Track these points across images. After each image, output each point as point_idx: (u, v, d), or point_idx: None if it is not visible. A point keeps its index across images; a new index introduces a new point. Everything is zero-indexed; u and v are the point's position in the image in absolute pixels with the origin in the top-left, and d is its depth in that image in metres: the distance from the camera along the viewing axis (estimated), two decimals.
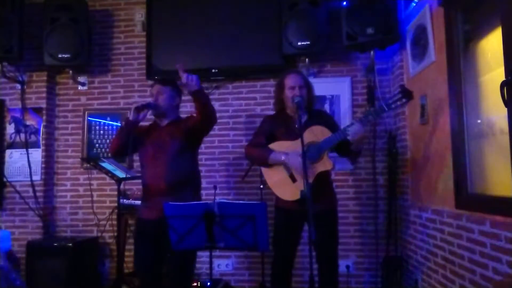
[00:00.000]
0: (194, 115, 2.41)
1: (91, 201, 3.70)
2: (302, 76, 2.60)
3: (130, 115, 2.41)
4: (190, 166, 2.52)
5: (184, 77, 2.20)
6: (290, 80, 2.55)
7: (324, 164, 2.41)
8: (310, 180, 2.29)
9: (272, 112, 2.83)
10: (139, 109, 2.40)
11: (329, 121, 2.61)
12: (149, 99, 2.54)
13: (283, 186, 2.48)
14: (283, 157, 2.43)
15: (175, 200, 2.18)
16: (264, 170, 2.58)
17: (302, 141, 2.18)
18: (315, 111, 2.67)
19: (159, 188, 2.39)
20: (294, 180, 2.44)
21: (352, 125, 2.34)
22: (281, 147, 2.50)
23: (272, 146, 2.54)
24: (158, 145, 2.45)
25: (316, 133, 2.43)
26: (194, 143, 2.55)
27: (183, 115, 2.64)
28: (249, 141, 2.73)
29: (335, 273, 2.56)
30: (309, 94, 2.58)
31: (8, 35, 3.41)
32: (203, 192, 3.54)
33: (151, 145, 2.48)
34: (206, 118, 2.37)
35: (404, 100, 2.33)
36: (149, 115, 2.52)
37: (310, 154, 2.39)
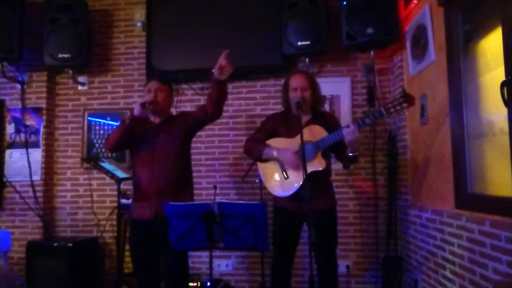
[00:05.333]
0: (193, 109, 2.43)
1: (91, 201, 3.70)
2: (306, 77, 2.58)
3: (136, 111, 2.35)
4: (186, 165, 2.54)
5: (223, 63, 2.23)
6: (293, 81, 2.55)
7: (317, 164, 2.41)
8: (302, 178, 2.29)
9: (272, 112, 2.84)
10: (145, 104, 2.38)
11: (332, 123, 2.57)
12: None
13: (276, 181, 2.51)
14: (274, 153, 2.46)
15: (173, 200, 2.17)
16: (259, 165, 2.61)
17: (302, 142, 2.19)
18: (320, 112, 2.66)
19: (157, 188, 2.36)
20: (286, 176, 2.46)
21: (348, 127, 2.34)
22: (277, 144, 2.52)
23: (269, 142, 2.56)
24: (155, 144, 2.43)
25: (314, 133, 2.44)
26: (190, 138, 2.58)
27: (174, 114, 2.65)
28: (249, 136, 2.74)
29: (335, 273, 2.56)
30: (314, 95, 2.56)
31: (8, 35, 3.41)
32: (203, 192, 3.59)
33: (146, 144, 2.44)
34: (218, 110, 2.42)
35: (404, 105, 2.31)
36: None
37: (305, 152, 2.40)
